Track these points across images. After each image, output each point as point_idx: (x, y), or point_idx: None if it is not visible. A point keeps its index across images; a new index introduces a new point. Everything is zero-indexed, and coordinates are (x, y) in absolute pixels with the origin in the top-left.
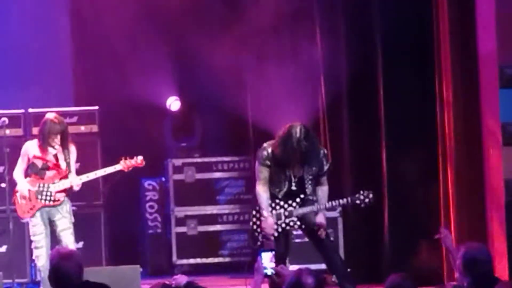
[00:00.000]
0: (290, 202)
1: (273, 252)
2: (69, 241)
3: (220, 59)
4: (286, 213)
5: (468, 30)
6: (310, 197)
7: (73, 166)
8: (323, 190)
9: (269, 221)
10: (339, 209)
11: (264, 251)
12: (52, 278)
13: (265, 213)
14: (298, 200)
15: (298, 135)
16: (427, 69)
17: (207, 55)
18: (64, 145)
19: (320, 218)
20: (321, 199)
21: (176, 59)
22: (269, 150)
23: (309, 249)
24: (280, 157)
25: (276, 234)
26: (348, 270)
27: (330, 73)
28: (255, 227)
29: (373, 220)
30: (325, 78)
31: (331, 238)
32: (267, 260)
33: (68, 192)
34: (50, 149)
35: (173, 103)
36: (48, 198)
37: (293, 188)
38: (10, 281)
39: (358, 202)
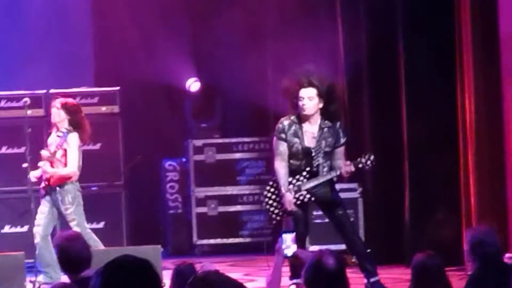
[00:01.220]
0: (297, 176)
1: (294, 233)
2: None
3: (240, 40)
4: (295, 188)
5: (489, 10)
6: (322, 171)
7: (69, 156)
8: (340, 162)
9: (287, 197)
10: (360, 189)
11: (285, 232)
12: (62, 260)
13: (282, 190)
14: (304, 173)
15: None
16: (448, 48)
17: (227, 35)
18: (68, 131)
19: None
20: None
21: (196, 39)
22: (285, 122)
23: (329, 230)
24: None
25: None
26: (368, 250)
27: (351, 52)
28: (267, 206)
29: (393, 200)
30: (346, 58)
31: (351, 219)
32: (288, 241)
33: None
34: (57, 133)
35: (193, 84)
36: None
37: (307, 154)
38: (32, 261)
39: (360, 166)
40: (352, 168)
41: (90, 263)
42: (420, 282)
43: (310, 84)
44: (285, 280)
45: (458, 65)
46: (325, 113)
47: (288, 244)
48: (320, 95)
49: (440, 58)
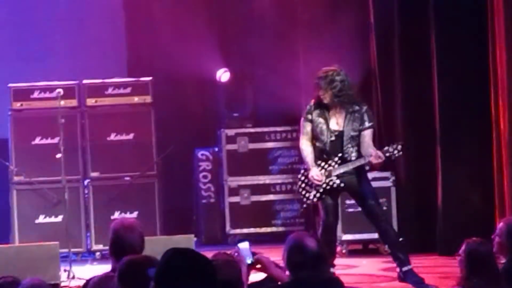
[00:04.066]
0: (329, 162)
1: (247, 242)
2: None
3: (271, 27)
4: (326, 173)
5: None
6: (351, 157)
7: None
8: (372, 150)
9: (313, 171)
10: (393, 178)
11: (240, 241)
12: (115, 246)
13: (309, 165)
14: (336, 159)
15: (338, 71)
16: (480, 29)
17: (258, 24)
18: None
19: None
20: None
21: (227, 29)
22: (312, 103)
23: (362, 219)
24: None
25: (321, 190)
26: (400, 239)
27: (382, 33)
28: (300, 189)
29: (426, 189)
30: (377, 38)
31: (384, 207)
32: (245, 250)
33: None
34: None
35: (223, 75)
36: None
37: (333, 138)
38: (66, 250)
39: (388, 154)
40: (382, 156)
41: (141, 253)
42: (473, 269)
43: (323, 76)
44: None
45: (491, 49)
46: (339, 100)
47: (246, 253)
48: (324, 84)
49: (472, 42)
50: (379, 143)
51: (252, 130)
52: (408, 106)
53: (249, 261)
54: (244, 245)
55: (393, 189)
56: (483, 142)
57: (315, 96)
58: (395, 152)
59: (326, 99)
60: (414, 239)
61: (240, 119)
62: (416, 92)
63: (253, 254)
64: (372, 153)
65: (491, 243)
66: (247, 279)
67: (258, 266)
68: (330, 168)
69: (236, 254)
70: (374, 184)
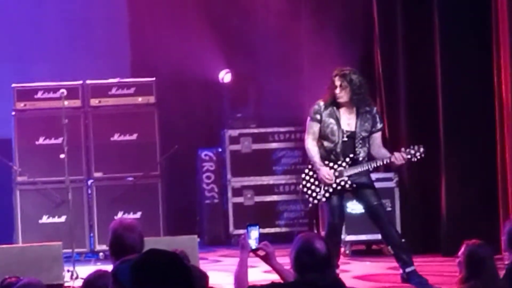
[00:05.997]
0: (339, 162)
1: (258, 226)
2: None
3: (274, 28)
4: (336, 173)
5: None
6: (360, 157)
7: None
8: (385, 151)
9: (323, 170)
10: (396, 179)
11: (250, 225)
12: (115, 246)
13: (317, 165)
14: (347, 159)
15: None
16: (484, 32)
17: (260, 23)
18: None
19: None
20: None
21: (230, 29)
22: (321, 103)
23: (365, 220)
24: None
25: (330, 190)
26: (403, 240)
27: (386, 34)
28: (305, 189)
29: (430, 189)
30: (381, 38)
31: (388, 208)
32: (253, 234)
33: None
34: None
35: (225, 76)
36: None
37: (345, 139)
38: (70, 250)
39: (409, 156)
40: (405, 158)
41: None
42: (473, 271)
43: (342, 73)
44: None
45: (495, 52)
46: (357, 99)
47: (253, 237)
48: (344, 82)
49: (476, 41)
50: (383, 145)
51: (255, 130)
52: (412, 108)
53: (253, 246)
54: (254, 229)
55: (396, 190)
56: (487, 143)
57: (327, 95)
58: (417, 154)
59: (343, 98)
60: (418, 240)
61: (244, 119)
62: (420, 95)
63: (260, 241)
64: (391, 154)
65: (492, 245)
66: (247, 265)
67: (262, 254)
68: (341, 168)
69: (243, 237)
70: (378, 184)
